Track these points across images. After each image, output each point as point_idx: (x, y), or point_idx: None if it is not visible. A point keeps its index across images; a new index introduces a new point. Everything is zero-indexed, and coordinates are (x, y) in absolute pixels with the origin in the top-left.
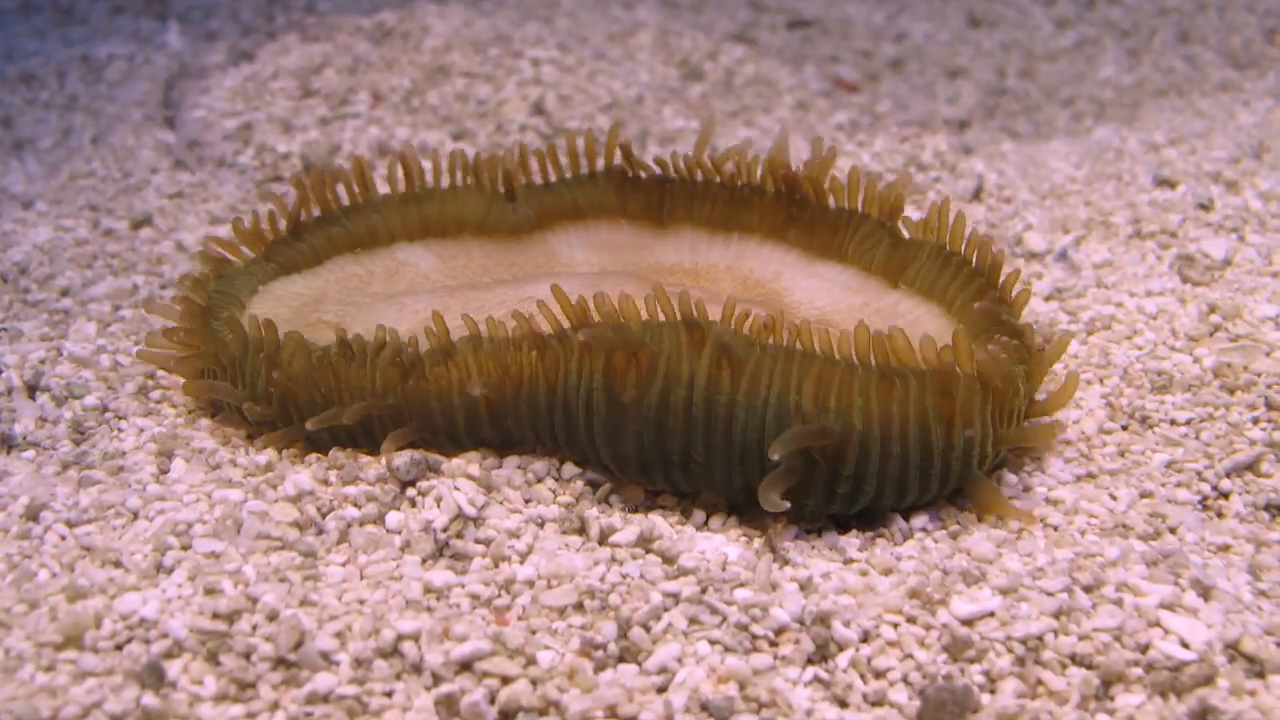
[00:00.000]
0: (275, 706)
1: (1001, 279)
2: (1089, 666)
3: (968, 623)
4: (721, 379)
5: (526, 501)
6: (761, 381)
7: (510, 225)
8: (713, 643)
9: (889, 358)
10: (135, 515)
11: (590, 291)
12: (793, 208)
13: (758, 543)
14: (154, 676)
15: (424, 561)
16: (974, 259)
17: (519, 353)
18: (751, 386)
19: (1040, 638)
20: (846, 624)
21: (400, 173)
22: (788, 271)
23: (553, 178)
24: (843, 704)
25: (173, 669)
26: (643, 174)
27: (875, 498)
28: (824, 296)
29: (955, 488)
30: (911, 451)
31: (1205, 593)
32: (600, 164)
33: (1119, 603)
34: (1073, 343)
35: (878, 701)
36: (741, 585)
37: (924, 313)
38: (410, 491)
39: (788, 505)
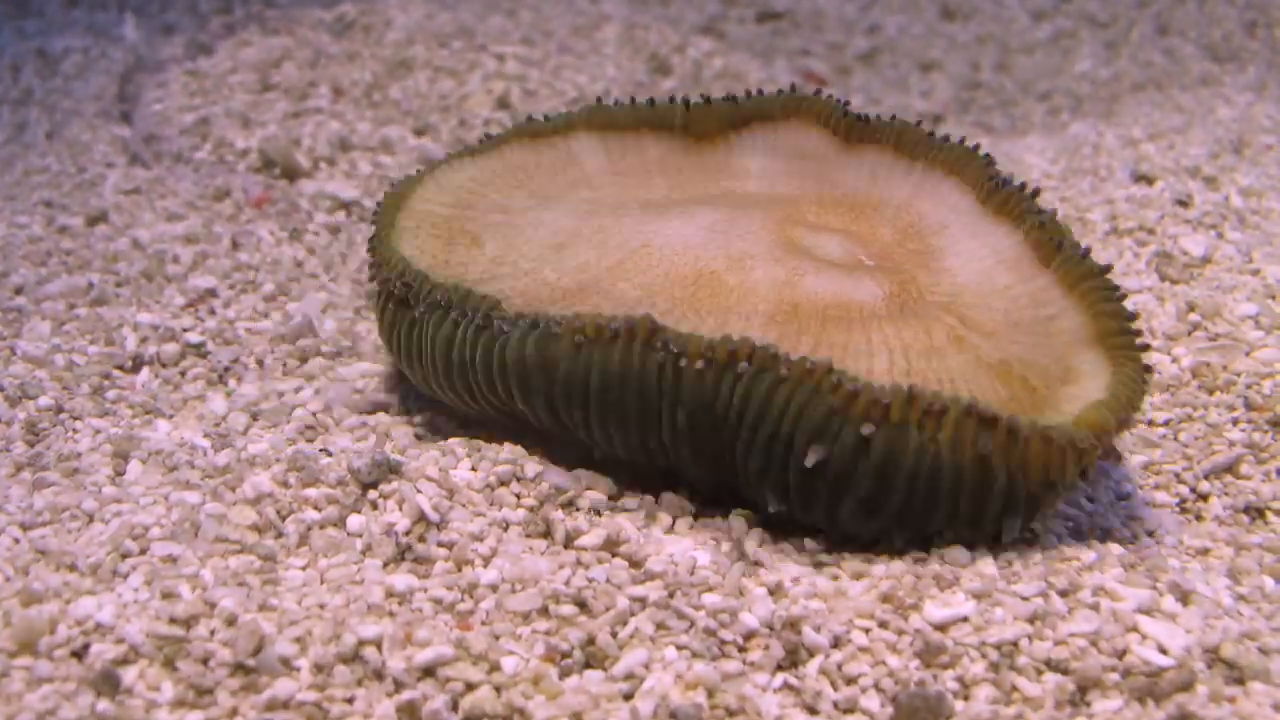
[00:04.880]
0: (234, 713)
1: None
2: (1065, 672)
3: (941, 628)
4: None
5: (490, 504)
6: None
7: (691, 125)
8: (680, 648)
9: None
10: (91, 518)
11: (711, 238)
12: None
13: (726, 546)
14: (109, 683)
15: (386, 565)
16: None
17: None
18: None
19: (1015, 643)
20: (817, 629)
21: None
22: (954, 226)
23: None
24: (813, 711)
25: (129, 675)
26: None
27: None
28: (973, 268)
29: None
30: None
31: (1184, 597)
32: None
33: (1095, 607)
34: None
35: (849, 708)
36: (710, 589)
37: (1066, 306)
38: (371, 494)
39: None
